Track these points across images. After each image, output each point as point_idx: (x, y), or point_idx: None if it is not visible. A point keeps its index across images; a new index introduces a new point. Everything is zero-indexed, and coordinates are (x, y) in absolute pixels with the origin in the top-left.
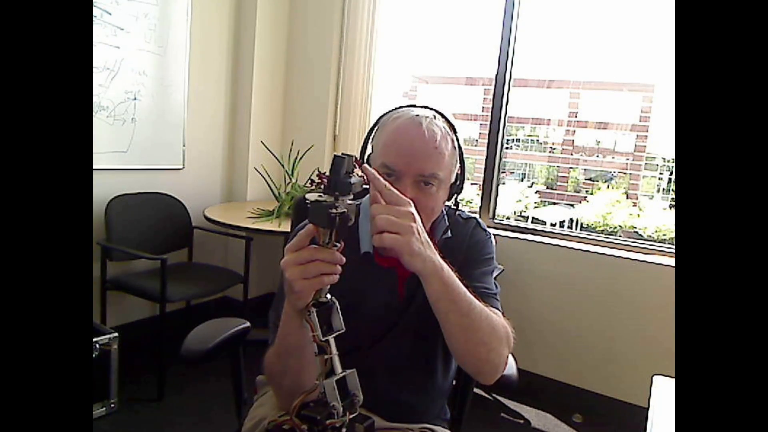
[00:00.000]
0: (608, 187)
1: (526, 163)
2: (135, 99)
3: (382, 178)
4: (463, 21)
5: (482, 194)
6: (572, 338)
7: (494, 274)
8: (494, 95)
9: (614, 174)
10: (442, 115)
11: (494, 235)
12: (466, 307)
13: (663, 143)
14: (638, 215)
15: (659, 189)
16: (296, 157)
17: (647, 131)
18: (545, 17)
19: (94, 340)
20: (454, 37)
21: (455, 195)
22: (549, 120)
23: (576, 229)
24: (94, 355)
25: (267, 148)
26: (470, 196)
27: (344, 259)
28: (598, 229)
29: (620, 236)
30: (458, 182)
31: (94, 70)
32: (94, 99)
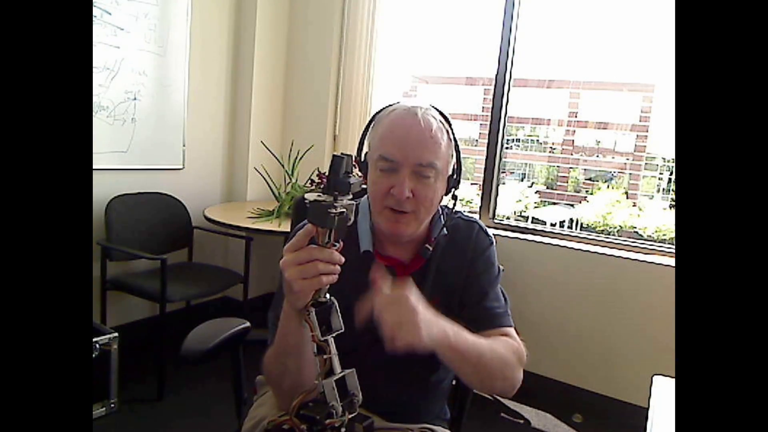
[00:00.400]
0: (608, 187)
1: (526, 163)
2: (135, 99)
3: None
4: (463, 21)
5: (482, 194)
6: (572, 338)
7: (499, 280)
8: (494, 95)
9: (614, 174)
10: (437, 109)
11: (494, 235)
12: (476, 357)
13: (663, 143)
14: (638, 215)
15: (659, 189)
16: (296, 157)
17: (647, 131)
18: (545, 17)
19: (94, 340)
20: (454, 37)
21: (453, 189)
22: (549, 120)
23: (576, 229)
24: (94, 355)
25: (267, 148)
26: (470, 196)
27: (343, 258)
28: (598, 229)
29: (619, 236)
30: (455, 176)
31: (94, 70)
32: (94, 99)
